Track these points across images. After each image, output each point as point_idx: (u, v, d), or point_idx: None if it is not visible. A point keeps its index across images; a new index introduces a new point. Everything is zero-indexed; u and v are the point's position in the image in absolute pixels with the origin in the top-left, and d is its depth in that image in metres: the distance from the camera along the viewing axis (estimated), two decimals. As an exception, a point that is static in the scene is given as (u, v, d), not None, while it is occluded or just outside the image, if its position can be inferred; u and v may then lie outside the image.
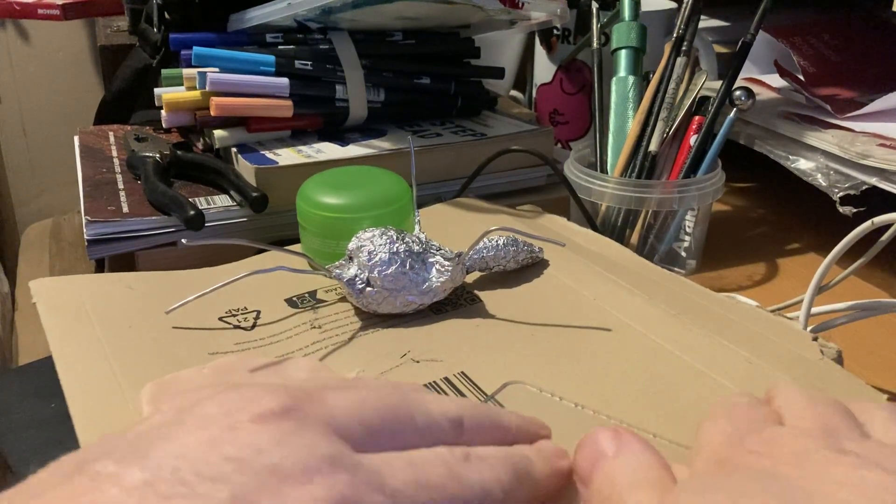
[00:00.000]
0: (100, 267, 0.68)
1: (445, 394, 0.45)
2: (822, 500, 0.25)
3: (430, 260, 0.52)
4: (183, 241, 0.51)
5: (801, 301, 0.59)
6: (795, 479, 0.27)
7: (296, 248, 0.61)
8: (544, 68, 0.91)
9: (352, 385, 0.32)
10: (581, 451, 0.33)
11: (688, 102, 0.70)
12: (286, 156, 0.70)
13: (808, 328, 0.58)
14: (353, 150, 0.72)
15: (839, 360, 0.48)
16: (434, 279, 0.52)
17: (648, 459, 0.31)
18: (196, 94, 0.74)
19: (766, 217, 0.86)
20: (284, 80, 0.73)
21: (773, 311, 0.55)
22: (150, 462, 0.26)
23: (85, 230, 0.64)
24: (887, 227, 0.56)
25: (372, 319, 0.52)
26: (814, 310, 0.59)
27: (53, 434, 0.44)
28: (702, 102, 0.70)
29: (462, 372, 0.46)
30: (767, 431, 0.31)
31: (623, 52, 0.74)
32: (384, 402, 0.31)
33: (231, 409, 0.28)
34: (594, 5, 0.77)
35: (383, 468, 0.28)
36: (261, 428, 0.27)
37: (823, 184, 0.74)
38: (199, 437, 0.27)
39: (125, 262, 0.65)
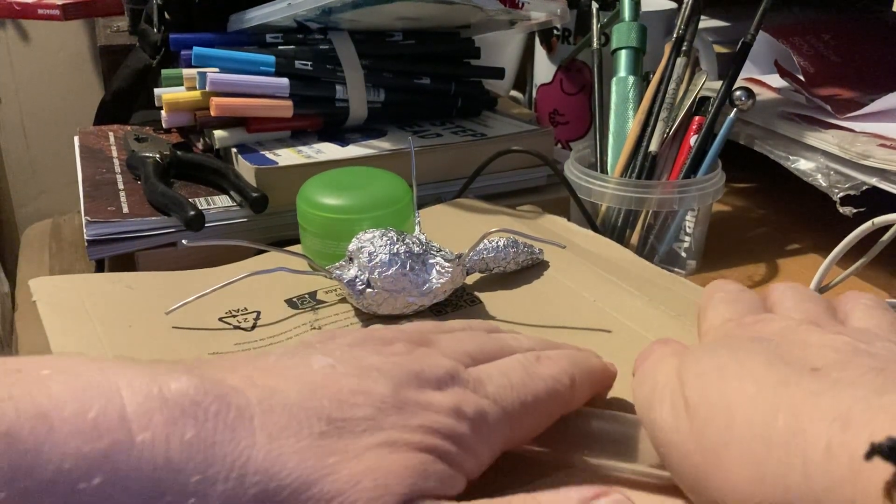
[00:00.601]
0: (100, 267, 0.68)
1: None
2: (799, 350, 0.34)
3: (431, 261, 0.52)
4: (183, 241, 0.51)
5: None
6: (779, 342, 0.35)
7: (296, 248, 0.61)
8: (544, 68, 0.91)
9: (451, 330, 0.42)
10: (639, 354, 0.41)
11: (688, 102, 0.70)
12: (286, 156, 0.70)
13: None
14: (353, 151, 0.72)
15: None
16: (434, 280, 0.52)
17: (681, 344, 0.40)
18: (196, 94, 0.74)
19: (766, 217, 0.86)
20: (284, 81, 0.73)
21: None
22: (329, 350, 0.35)
23: (85, 230, 0.64)
24: (888, 227, 0.56)
25: (372, 320, 0.52)
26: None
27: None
28: (702, 102, 0.70)
29: (462, 373, 0.46)
30: (760, 315, 0.39)
31: (623, 53, 0.74)
32: (476, 341, 0.40)
33: (378, 340, 0.37)
34: (594, 5, 0.77)
35: (484, 377, 0.37)
36: (405, 348, 0.37)
37: (823, 184, 0.74)
38: (360, 346, 0.37)
39: (125, 263, 0.65)
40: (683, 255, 0.72)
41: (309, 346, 0.37)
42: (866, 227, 0.55)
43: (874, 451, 0.26)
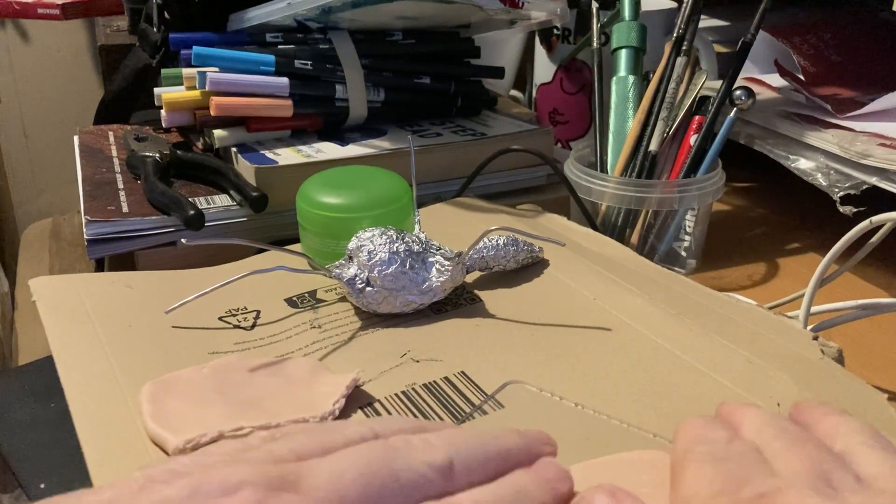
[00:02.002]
0: (99, 267, 0.68)
1: (445, 395, 0.45)
2: None
3: (430, 259, 0.52)
4: (182, 240, 0.51)
5: (801, 297, 0.59)
6: None
7: (296, 247, 0.61)
8: (544, 68, 0.91)
9: (329, 445, 0.31)
10: None
11: (688, 102, 0.70)
12: (286, 155, 0.70)
13: (808, 327, 0.58)
14: (353, 150, 0.72)
15: (840, 359, 0.48)
16: (434, 279, 0.52)
17: None
18: (196, 93, 0.74)
19: (766, 217, 0.86)
20: (284, 80, 0.73)
21: (772, 307, 0.55)
22: None
23: (85, 230, 0.64)
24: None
25: (372, 319, 0.52)
26: (814, 308, 0.59)
27: (53, 434, 0.44)
28: (702, 102, 0.70)
29: (462, 371, 0.46)
30: (760, 485, 0.30)
31: (623, 52, 0.74)
32: (364, 469, 0.29)
33: (206, 490, 0.27)
34: (594, 5, 0.77)
35: None
36: (255, 491, 0.27)
37: (823, 183, 0.74)
38: (190, 498, 0.27)
39: (125, 262, 0.65)
40: (683, 254, 0.72)
41: (117, 498, 0.27)
42: (864, 225, 0.55)
43: None
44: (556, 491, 0.32)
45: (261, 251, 0.60)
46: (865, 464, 0.31)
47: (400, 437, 0.31)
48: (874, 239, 0.58)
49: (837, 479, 0.30)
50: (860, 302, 0.60)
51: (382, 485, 0.29)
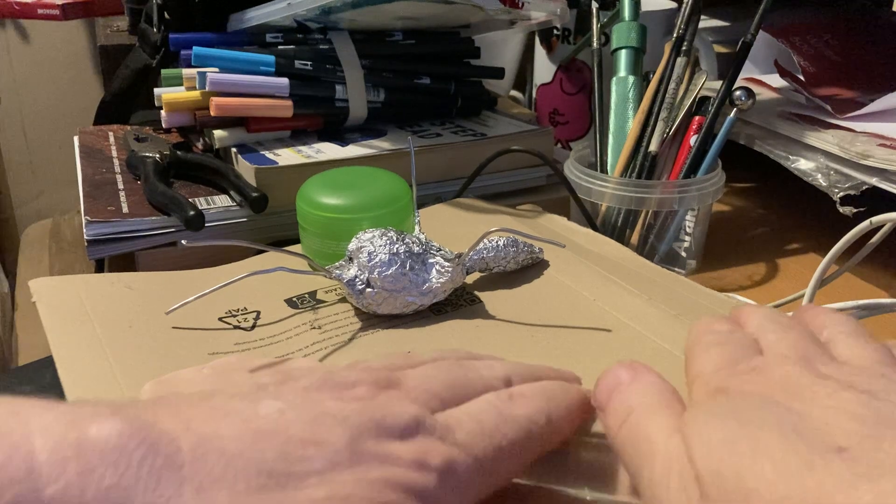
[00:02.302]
0: (100, 267, 0.68)
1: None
2: (813, 418, 0.30)
3: (431, 261, 0.52)
4: (183, 241, 0.51)
5: (801, 298, 0.59)
6: (789, 403, 0.31)
7: (296, 248, 0.61)
8: (544, 68, 0.91)
9: (413, 362, 0.39)
10: (601, 381, 0.38)
11: (688, 102, 0.70)
12: (286, 156, 0.70)
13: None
14: (353, 150, 0.72)
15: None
16: (434, 280, 0.52)
17: (661, 386, 0.36)
18: (196, 94, 0.74)
19: (766, 217, 0.86)
20: (284, 80, 0.73)
21: (773, 308, 0.55)
22: (281, 393, 0.32)
23: (85, 230, 0.64)
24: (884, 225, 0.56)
25: (372, 320, 0.52)
26: (816, 309, 0.59)
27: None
28: (702, 102, 0.70)
29: (462, 372, 0.46)
30: (753, 361, 0.36)
31: (623, 52, 0.74)
32: (445, 374, 0.37)
33: (339, 384, 0.34)
34: (594, 5, 0.77)
35: (453, 423, 0.34)
36: (367, 392, 0.33)
37: (823, 184, 0.74)
38: (317, 389, 0.33)
39: (125, 263, 0.65)
40: (683, 254, 0.72)
41: (261, 387, 0.35)
42: (864, 226, 0.55)
43: None
44: (582, 395, 0.40)
45: (261, 252, 0.60)
46: (842, 348, 0.36)
47: (466, 360, 0.40)
48: (874, 239, 0.58)
49: (816, 357, 0.35)
50: (860, 302, 0.60)
51: (461, 385, 0.37)
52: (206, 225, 0.64)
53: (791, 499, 0.27)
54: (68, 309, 0.51)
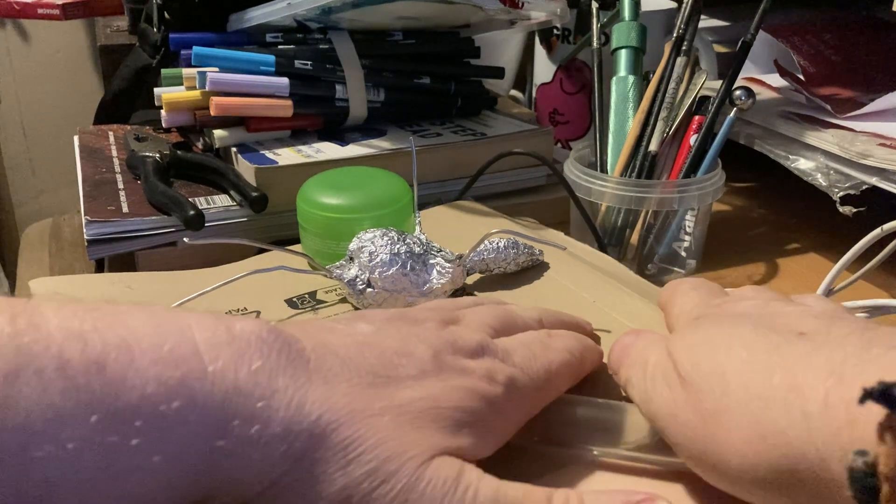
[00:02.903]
0: (100, 267, 0.68)
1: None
2: (779, 318, 0.36)
3: (431, 261, 0.52)
4: (185, 239, 0.51)
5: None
6: (757, 317, 0.37)
7: (296, 248, 0.61)
8: (544, 68, 0.91)
9: (469, 305, 0.45)
10: (612, 351, 0.43)
11: (688, 102, 0.70)
12: (286, 156, 0.70)
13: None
14: (353, 150, 0.72)
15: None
16: (434, 280, 0.52)
17: (657, 337, 0.41)
18: (196, 93, 0.74)
19: (766, 217, 0.86)
20: (284, 80, 0.73)
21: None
22: (371, 318, 0.39)
23: (85, 230, 0.64)
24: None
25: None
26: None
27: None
28: (702, 102, 0.70)
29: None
30: (728, 297, 0.43)
31: (623, 52, 0.73)
32: (494, 314, 0.43)
33: (411, 319, 0.40)
34: (594, 5, 0.77)
35: (510, 349, 0.40)
36: (435, 326, 0.39)
37: (823, 184, 0.74)
38: (398, 319, 0.39)
39: (125, 262, 0.65)
40: (683, 254, 0.72)
41: (354, 315, 0.41)
42: (875, 233, 0.56)
43: (867, 395, 0.28)
44: (599, 348, 0.47)
45: (261, 251, 0.60)
46: (805, 300, 0.40)
47: (511, 306, 0.46)
48: (887, 250, 0.58)
49: (780, 298, 0.40)
50: (866, 303, 0.60)
51: (508, 321, 0.43)
52: (206, 225, 0.64)
53: (762, 371, 0.32)
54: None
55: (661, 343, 0.39)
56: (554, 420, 0.41)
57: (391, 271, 0.50)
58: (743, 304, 0.39)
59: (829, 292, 0.58)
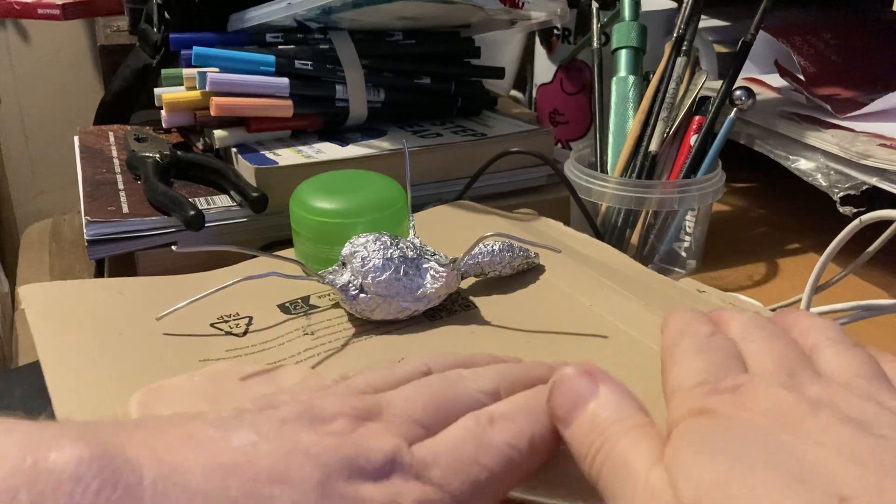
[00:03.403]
0: (100, 267, 0.68)
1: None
2: (809, 458, 0.28)
3: (425, 265, 0.52)
4: (173, 247, 0.51)
5: (799, 301, 0.59)
6: (780, 436, 0.30)
7: (289, 252, 0.61)
8: (544, 68, 0.91)
9: (397, 378, 0.37)
10: (557, 391, 0.35)
11: (688, 102, 0.70)
12: (286, 156, 0.70)
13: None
14: (353, 151, 0.72)
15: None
16: (428, 285, 0.51)
17: (626, 400, 0.34)
18: (196, 94, 0.74)
19: (766, 217, 0.86)
20: (284, 80, 0.73)
21: (773, 310, 0.55)
22: (257, 423, 0.31)
23: (85, 230, 0.64)
24: (885, 224, 0.56)
25: (365, 326, 0.52)
26: (813, 310, 0.59)
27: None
28: (702, 102, 0.70)
29: (456, 379, 0.46)
30: (738, 378, 0.34)
31: (623, 52, 0.73)
32: (428, 397, 0.35)
33: (317, 418, 0.32)
34: (594, 5, 0.77)
35: (429, 459, 0.32)
36: (345, 426, 0.32)
37: (823, 184, 0.74)
38: (295, 420, 0.32)
39: (125, 263, 0.65)
40: (683, 254, 0.72)
41: (239, 414, 0.32)
42: (854, 225, 0.55)
43: None
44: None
45: (254, 257, 0.60)
46: (827, 360, 0.35)
47: (454, 372, 0.38)
48: (879, 241, 0.58)
49: (802, 373, 0.34)
50: (860, 303, 0.60)
51: (445, 404, 0.35)
52: (207, 225, 0.64)
53: None
54: (59, 315, 0.51)
55: (642, 435, 0.32)
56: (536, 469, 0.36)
57: (384, 276, 0.50)
58: (758, 403, 0.32)
59: (817, 289, 0.58)
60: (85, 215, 0.65)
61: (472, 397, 0.36)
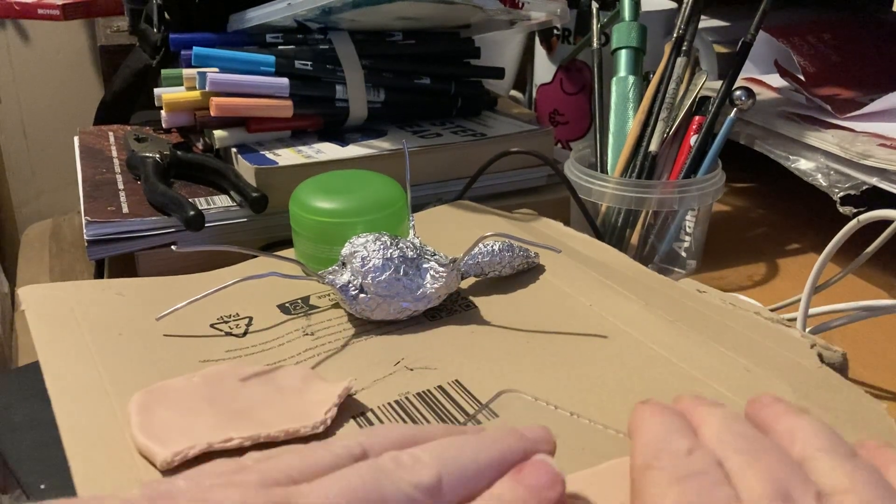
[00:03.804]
0: (100, 267, 0.68)
1: (440, 404, 0.44)
2: None
3: (425, 265, 0.52)
4: (173, 247, 0.51)
5: (799, 301, 0.59)
6: None
7: (289, 252, 0.61)
8: (544, 68, 0.91)
9: (319, 466, 0.31)
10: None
11: (688, 102, 0.70)
12: (286, 156, 0.70)
13: (808, 329, 0.58)
14: (353, 151, 0.72)
15: (844, 363, 0.47)
16: (428, 285, 0.51)
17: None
18: (196, 94, 0.74)
19: (766, 217, 0.86)
20: (284, 80, 0.73)
21: (773, 310, 0.55)
22: None
23: (85, 231, 0.64)
24: (885, 223, 0.56)
25: (365, 326, 0.52)
26: (813, 310, 0.59)
27: (53, 434, 0.43)
28: (702, 102, 0.70)
29: (456, 380, 0.46)
30: (689, 439, 0.31)
31: (623, 52, 0.73)
32: (351, 495, 0.29)
33: None
34: (594, 5, 0.77)
35: None
36: None
37: (824, 184, 0.74)
38: None
39: (125, 263, 0.65)
40: (683, 254, 0.72)
41: None
42: (852, 225, 0.55)
43: None
44: (544, 499, 0.31)
45: (254, 257, 0.60)
46: (825, 475, 0.31)
47: (388, 456, 0.31)
48: (879, 241, 0.58)
49: (799, 496, 0.30)
50: (861, 304, 0.60)
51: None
52: (207, 225, 0.64)
53: None
54: (58, 317, 0.51)
55: None
56: None
57: (384, 276, 0.50)
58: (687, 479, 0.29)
59: (821, 286, 0.58)
60: (85, 215, 0.65)
61: (405, 494, 0.30)
